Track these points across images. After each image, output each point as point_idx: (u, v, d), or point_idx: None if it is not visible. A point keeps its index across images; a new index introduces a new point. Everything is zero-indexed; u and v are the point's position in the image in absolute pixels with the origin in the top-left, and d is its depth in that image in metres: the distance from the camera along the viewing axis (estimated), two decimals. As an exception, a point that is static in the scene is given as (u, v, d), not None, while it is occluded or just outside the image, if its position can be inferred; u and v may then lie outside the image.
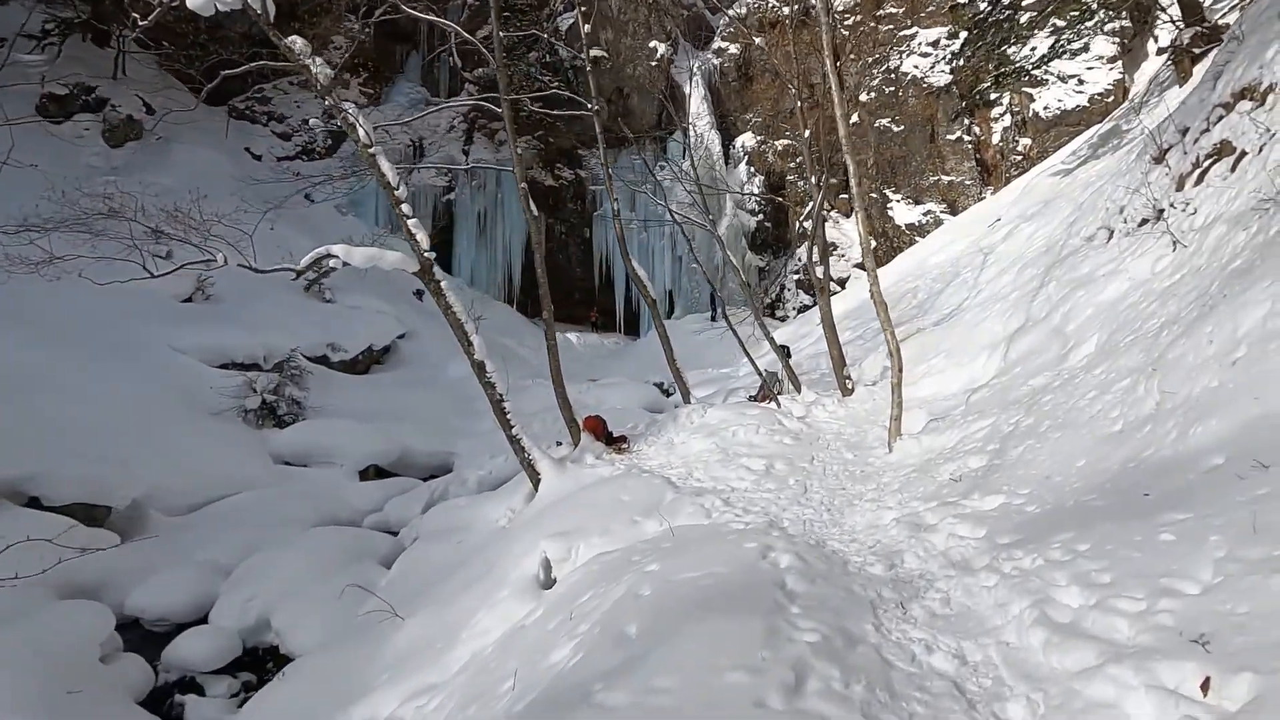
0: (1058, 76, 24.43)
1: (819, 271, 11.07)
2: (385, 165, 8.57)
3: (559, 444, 10.46)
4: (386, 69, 27.60)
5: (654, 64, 28.20)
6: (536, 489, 8.69)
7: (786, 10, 27.55)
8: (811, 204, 11.21)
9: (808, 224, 11.09)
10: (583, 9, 11.84)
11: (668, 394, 20.97)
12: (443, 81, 28.29)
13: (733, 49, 29.46)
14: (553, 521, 6.85)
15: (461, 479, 12.99)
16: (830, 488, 6.77)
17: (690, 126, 28.67)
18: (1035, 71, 20.86)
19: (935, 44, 26.29)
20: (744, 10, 29.77)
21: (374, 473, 14.25)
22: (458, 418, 17.56)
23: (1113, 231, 9.07)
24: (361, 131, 8.52)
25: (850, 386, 11.18)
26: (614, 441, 9.69)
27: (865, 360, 13.10)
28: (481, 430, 16.54)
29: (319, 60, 8.46)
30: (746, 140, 29.20)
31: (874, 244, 27.68)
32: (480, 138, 27.69)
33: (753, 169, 28.97)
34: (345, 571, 9.38)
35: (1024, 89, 24.28)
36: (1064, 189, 15.32)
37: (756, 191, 26.76)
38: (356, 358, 19.82)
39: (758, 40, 28.70)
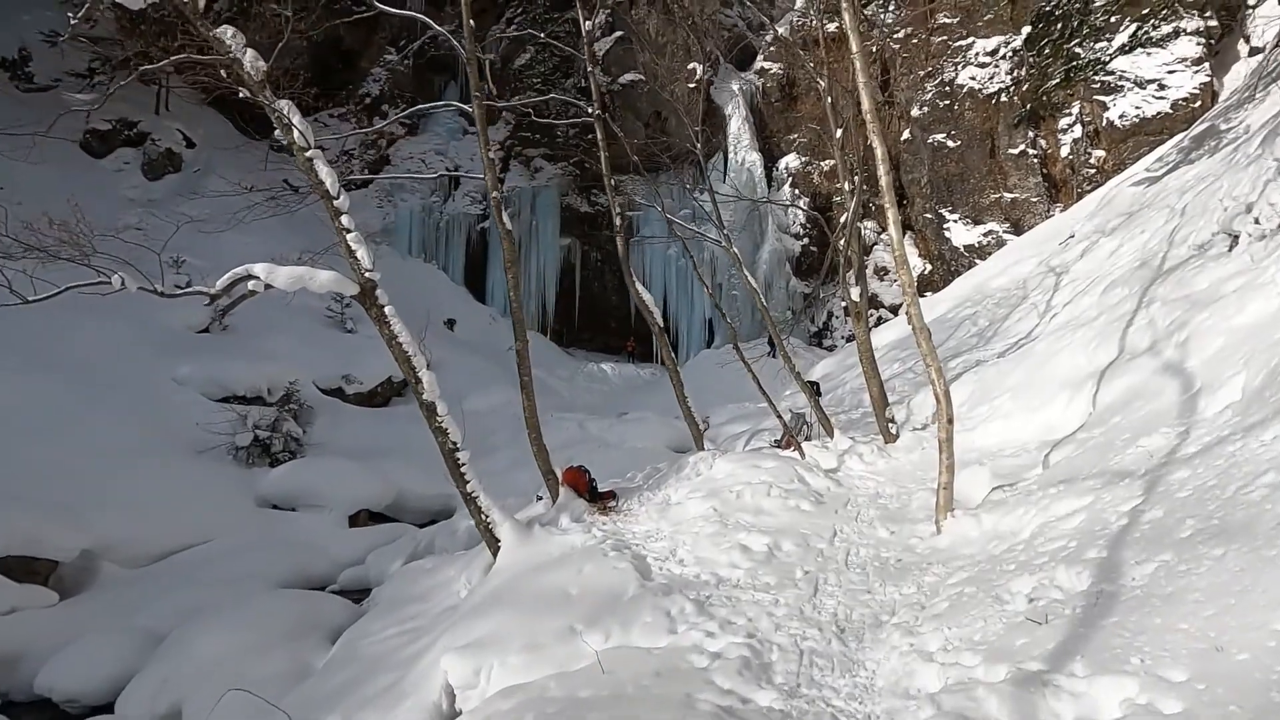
0: (1134, 82, 21.75)
1: (854, 292, 9.04)
2: (324, 171, 7.11)
3: (539, 498, 8.66)
4: (424, 100, 26.95)
5: (692, 86, 26.70)
6: (496, 557, 6.92)
7: (833, 26, 25.70)
8: (846, 215, 9.24)
9: (844, 241, 9.16)
10: (584, 7, 10.28)
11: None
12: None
13: (775, 68, 27.70)
14: (474, 622, 5.04)
15: (452, 529, 11.31)
16: (851, 587, 4.74)
17: (730, 148, 27.01)
18: (1110, 66, 18.36)
19: (994, 53, 23.90)
20: (786, 29, 28.04)
21: (365, 518, 12.77)
22: (472, 454, 16.00)
23: (1236, 237, 6.80)
24: (296, 133, 7.10)
25: (894, 431, 9.05)
26: (599, 498, 7.84)
27: (915, 397, 10.89)
28: (492, 469, 14.89)
29: (251, 53, 7.10)
30: (790, 162, 27.26)
31: (928, 267, 25.21)
32: (516, 165, 26.65)
33: (797, 191, 26.96)
34: (285, 648, 7.81)
35: (1095, 97, 21.66)
36: (1152, 197, 12.82)
37: (799, 206, 24.70)
38: (375, 390, 18.64)
39: (805, 57, 26.89)
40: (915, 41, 25.25)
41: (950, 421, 5.28)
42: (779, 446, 9.40)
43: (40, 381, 11.99)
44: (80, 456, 10.90)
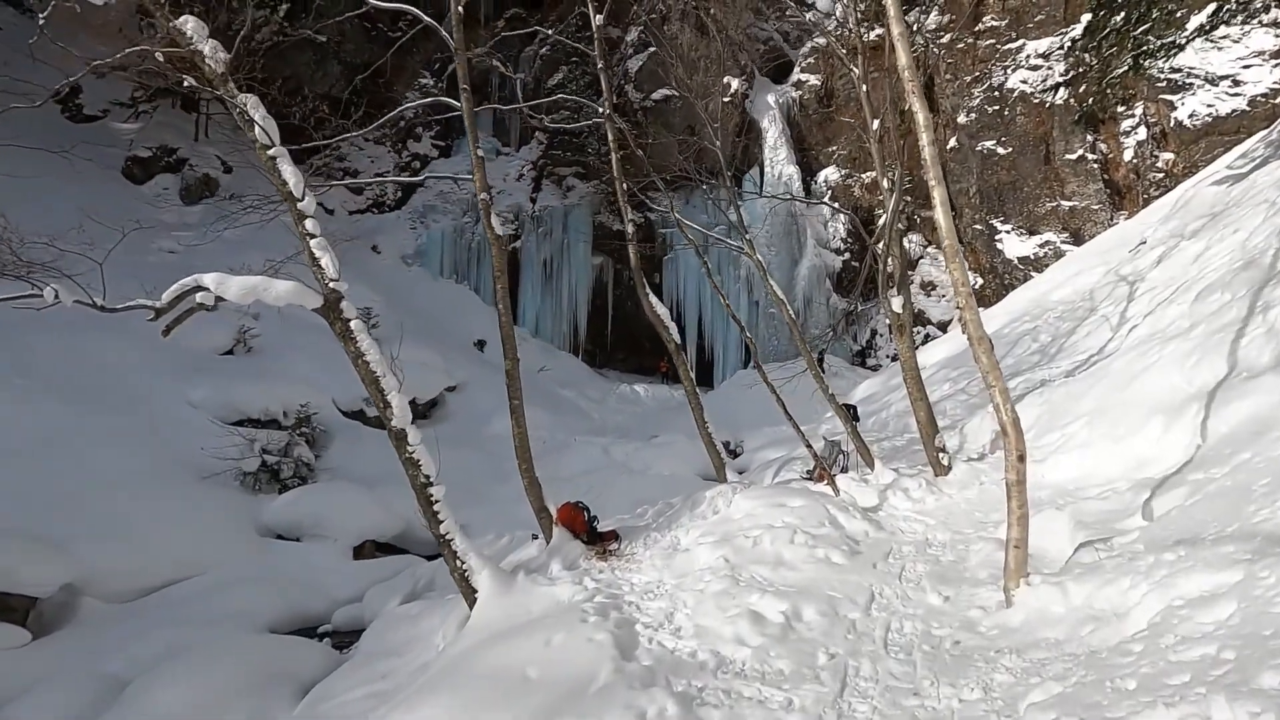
0: (1205, 78, 19.87)
1: (896, 303, 7.76)
2: (288, 171, 6.30)
3: (534, 536, 7.58)
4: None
5: (726, 100, 25.72)
6: (472, 611, 5.86)
7: (875, 33, 24.52)
8: (884, 216, 8.01)
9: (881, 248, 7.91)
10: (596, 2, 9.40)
11: (735, 454, 17.70)
12: (513, 132, 27.07)
13: (813, 80, 26.52)
14: (413, 711, 3.95)
15: (455, 564, 10.28)
16: (891, 684, 3.50)
17: (766, 162, 25.88)
18: (1176, 62, 16.65)
19: (1046, 55, 22.25)
20: (825, 41, 26.91)
21: (371, 549, 11.89)
22: (486, 480, 15.09)
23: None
24: (259, 130, 6.30)
25: (945, 462, 7.69)
26: (599, 539, 6.71)
27: (969, 422, 9.49)
28: (506, 496, 13.96)
29: (212, 44, 6.36)
30: (829, 174, 25.94)
31: (979, 281, 23.45)
32: (548, 184, 26.03)
33: (837, 204, 25.58)
34: (247, 703, 6.87)
35: (1161, 96, 19.84)
36: (1240, 195, 11.18)
37: (831, 205, 23.31)
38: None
39: (854, 70, 25.67)
40: (961, 46, 23.78)
41: (1021, 459, 4.01)
42: (810, 479, 8.12)
43: (43, 404, 11.53)
44: (74, 483, 10.31)
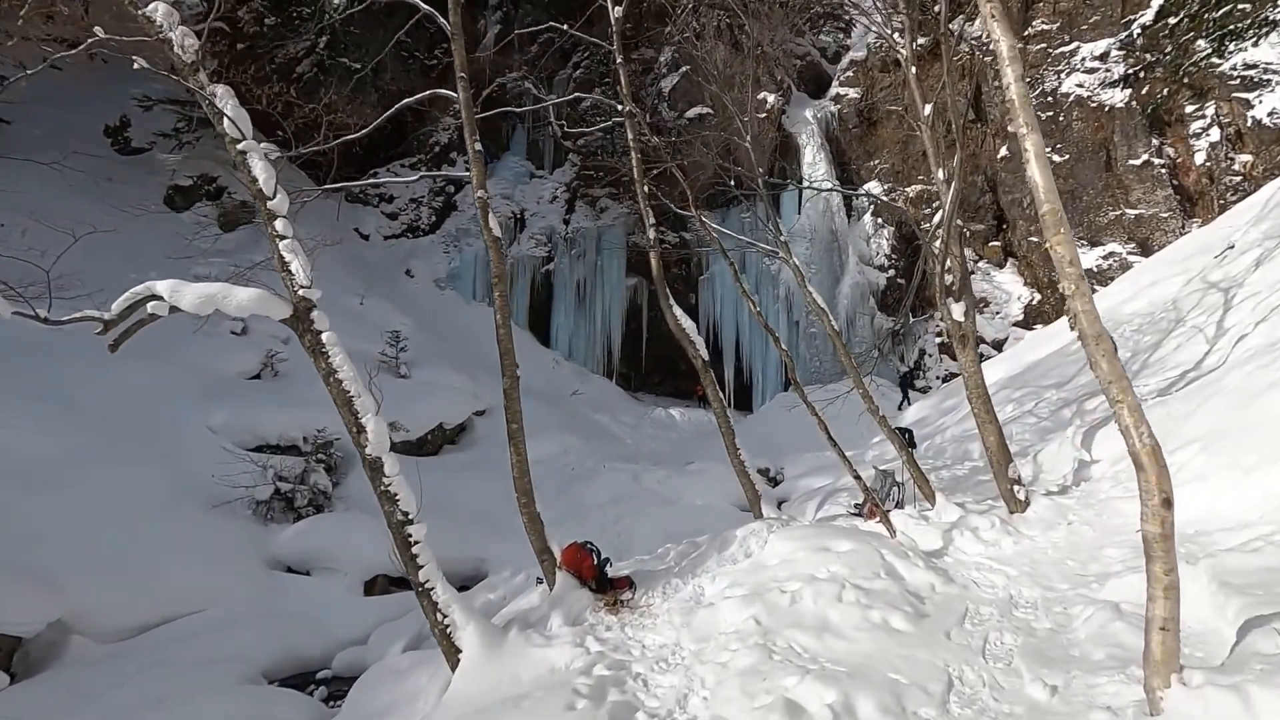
0: (1284, 75, 18.14)
1: (956, 311, 6.58)
2: (258, 166, 5.58)
3: (538, 581, 6.56)
4: (493, 145, 26.38)
5: (762, 116, 24.82)
6: (454, 674, 4.87)
7: (921, 40, 23.32)
8: (941, 211, 6.91)
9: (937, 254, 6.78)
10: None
11: (775, 482, 16.42)
12: (547, 154, 26.66)
13: (852, 94, 25.42)
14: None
15: (469, 604, 9.31)
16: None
17: (805, 178, 24.79)
18: (1251, 58, 15.11)
19: (1103, 56, 20.74)
20: (864, 53, 25.89)
21: (384, 584, 11.03)
22: (510, 511, 14.07)
23: None
24: (228, 122, 5.60)
25: (1022, 496, 6.43)
26: (609, 587, 5.66)
27: (1042, 449, 8.17)
28: (522, 529, 13.00)
29: (182, 30, 5.71)
30: (872, 189, 24.67)
31: (1037, 297, 21.78)
32: (582, 205, 25.44)
33: (879, 220, 24.29)
34: (215, 770, 6.01)
35: (1235, 94, 18.13)
36: (1352, 188, 9.64)
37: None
38: (424, 438, 17.23)
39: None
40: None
41: (1167, 504, 2.85)
42: (859, 515, 6.93)
43: (54, 429, 11.11)
44: (76, 512, 9.76)
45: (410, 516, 5.03)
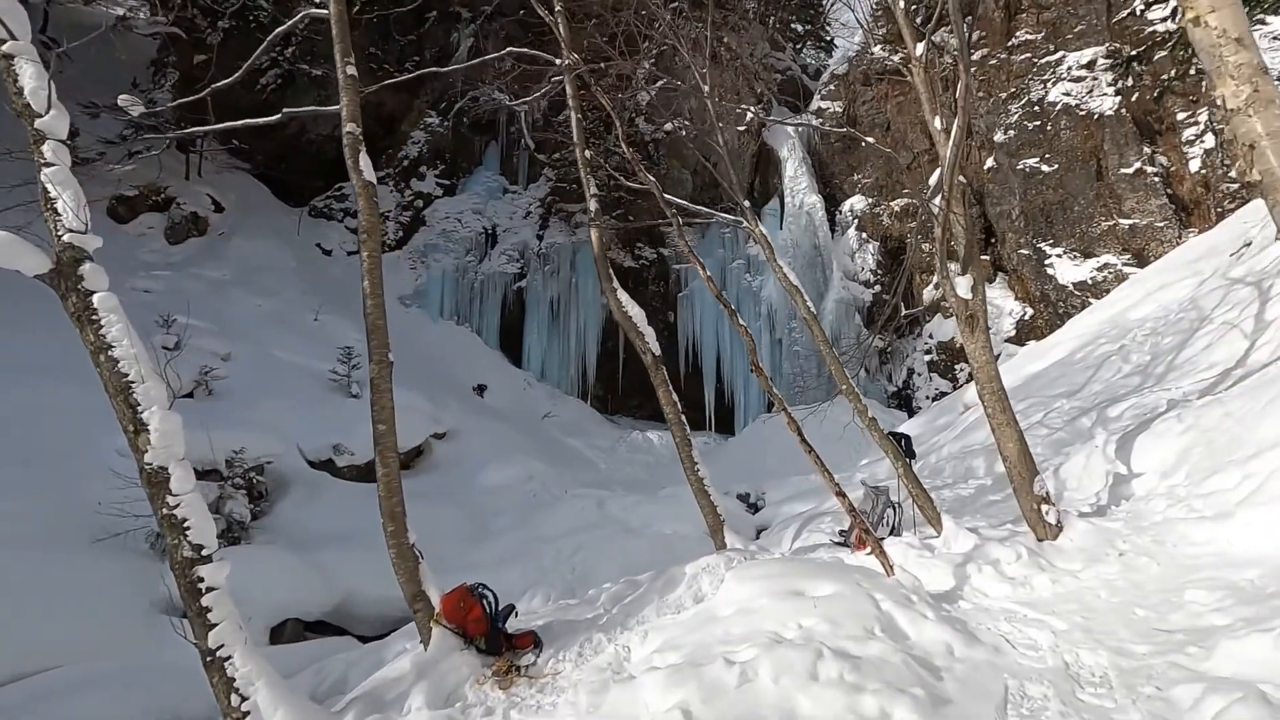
0: (1275, 79, 17.21)
1: (962, 286, 5.16)
2: (28, 73, 4.10)
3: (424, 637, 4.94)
4: (465, 160, 25.17)
5: (742, 129, 23.81)
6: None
7: (898, 56, 22.55)
8: (939, 171, 5.56)
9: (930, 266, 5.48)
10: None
11: (755, 508, 14.85)
12: (521, 169, 25.48)
13: (834, 107, 24.50)
14: None
15: (379, 657, 7.65)
16: None
17: (786, 192, 23.70)
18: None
19: (1089, 65, 19.87)
20: (845, 66, 25.06)
21: (296, 630, 9.34)
22: (462, 542, 12.48)
23: None
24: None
25: (1053, 519, 4.94)
26: (506, 646, 4.08)
27: (1063, 463, 6.71)
28: (483, 560, 11.34)
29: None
30: (855, 204, 23.59)
31: (1029, 311, 20.53)
32: (556, 220, 24.19)
33: (864, 234, 23.15)
34: None
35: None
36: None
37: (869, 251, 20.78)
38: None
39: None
40: (994, 63, 21.57)
41: None
42: (844, 544, 5.41)
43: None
44: (-84, 548, 8.06)
45: (205, 552, 3.48)
